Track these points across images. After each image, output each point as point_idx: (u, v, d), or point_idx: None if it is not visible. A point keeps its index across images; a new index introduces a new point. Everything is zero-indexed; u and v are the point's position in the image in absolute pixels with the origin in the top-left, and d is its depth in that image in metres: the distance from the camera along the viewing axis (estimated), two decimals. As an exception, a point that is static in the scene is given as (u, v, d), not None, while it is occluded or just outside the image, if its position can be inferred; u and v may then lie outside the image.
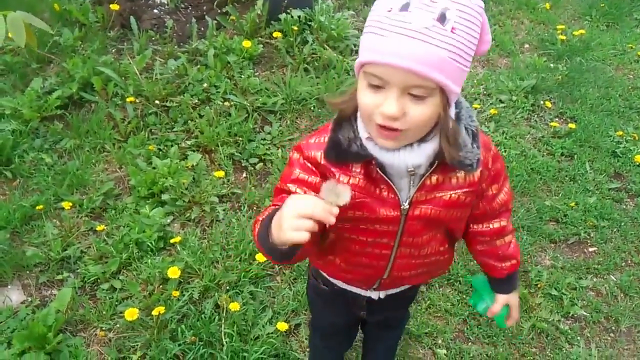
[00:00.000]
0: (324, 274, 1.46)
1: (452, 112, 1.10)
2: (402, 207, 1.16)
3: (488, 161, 1.21)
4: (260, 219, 1.10)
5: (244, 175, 2.91)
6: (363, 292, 1.46)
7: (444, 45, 0.96)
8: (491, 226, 1.34)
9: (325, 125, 1.20)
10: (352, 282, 1.43)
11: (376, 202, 1.14)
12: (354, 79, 1.19)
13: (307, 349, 2.09)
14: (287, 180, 1.19)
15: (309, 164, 1.17)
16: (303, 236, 0.94)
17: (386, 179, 1.12)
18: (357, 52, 1.14)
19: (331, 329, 1.75)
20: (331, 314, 1.66)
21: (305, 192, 1.15)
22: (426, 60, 0.95)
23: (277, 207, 1.07)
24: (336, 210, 0.97)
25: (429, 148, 1.10)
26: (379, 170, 1.11)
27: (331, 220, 0.96)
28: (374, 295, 1.46)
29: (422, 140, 1.09)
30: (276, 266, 2.43)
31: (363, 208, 1.15)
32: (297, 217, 0.95)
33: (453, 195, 1.17)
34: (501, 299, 1.43)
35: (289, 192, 1.17)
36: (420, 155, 1.10)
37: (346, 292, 1.47)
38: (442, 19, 0.95)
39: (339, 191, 0.99)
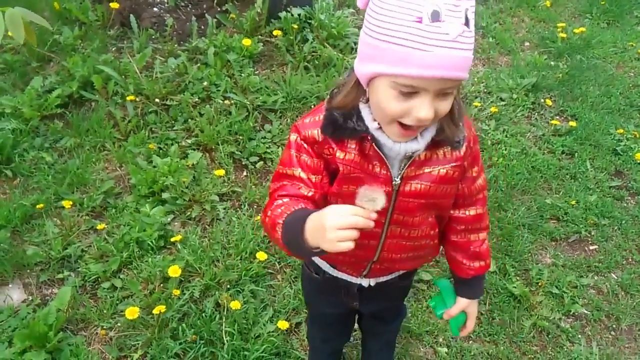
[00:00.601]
0: (315, 260, 1.47)
1: None
2: (393, 182, 1.19)
3: (470, 139, 1.25)
4: (281, 221, 1.09)
5: (245, 173, 2.91)
6: (354, 280, 1.47)
7: (472, 47, 1.02)
8: (467, 213, 1.36)
9: (319, 105, 1.22)
10: (342, 265, 1.44)
11: (369, 178, 1.17)
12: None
13: (308, 348, 2.08)
14: (288, 164, 1.21)
15: (306, 145, 1.20)
16: (349, 246, 0.96)
17: (381, 155, 1.16)
18: (356, 50, 1.13)
19: (327, 319, 1.76)
20: (325, 304, 1.67)
21: (308, 178, 1.18)
22: (463, 65, 1.01)
23: (296, 210, 1.09)
24: (375, 216, 1.00)
25: (429, 134, 1.15)
26: (374, 145, 1.15)
27: (372, 225, 0.99)
28: (365, 282, 1.47)
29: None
30: (277, 265, 2.43)
31: (357, 182, 1.17)
32: (341, 229, 0.96)
33: (442, 170, 1.21)
34: (462, 303, 1.43)
35: (293, 177, 1.19)
36: (422, 142, 1.15)
37: (337, 280, 1.48)
38: (467, 21, 0.98)
39: (375, 196, 1.01)
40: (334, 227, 0.96)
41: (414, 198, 1.22)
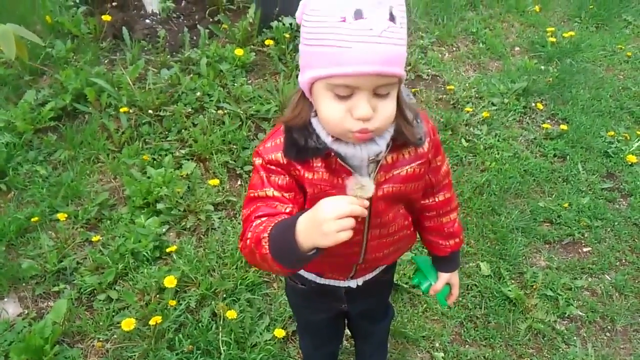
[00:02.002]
0: (300, 272, 1.48)
1: None
2: None
3: (430, 132, 1.27)
4: (266, 234, 1.06)
5: (239, 182, 2.92)
6: (341, 283, 1.48)
7: (401, 42, 1.03)
8: (437, 199, 1.41)
9: (276, 128, 1.22)
10: (328, 274, 1.45)
11: (341, 192, 1.14)
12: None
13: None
14: (259, 186, 1.19)
15: (272, 166, 1.19)
16: (349, 234, 0.97)
17: (347, 167, 1.16)
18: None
19: (317, 326, 1.76)
20: (313, 313, 1.68)
21: (282, 195, 1.17)
22: (391, 60, 1.01)
23: (279, 221, 1.07)
24: (367, 203, 1.03)
25: (387, 135, 1.16)
26: (339, 160, 1.15)
27: (365, 212, 1.01)
28: (352, 283, 1.49)
29: None
30: (272, 273, 2.44)
31: None
32: (338, 218, 0.97)
33: (409, 169, 1.23)
34: (444, 277, 1.52)
35: (266, 198, 1.18)
36: (381, 143, 1.16)
37: (324, 287, 1.49)
38: (392, 17, 1.00)
39: (364, 184, 1.04)
40: (332, 216, 0.96)
41: (385, 200, 1.24)
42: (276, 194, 1.17)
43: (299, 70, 1.12)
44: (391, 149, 1.19)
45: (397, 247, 1.41)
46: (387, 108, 1.07)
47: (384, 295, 1.78)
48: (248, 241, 1.11)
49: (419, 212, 1.42)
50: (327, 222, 0.96)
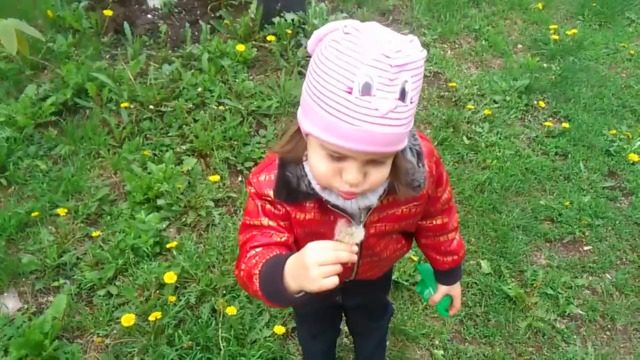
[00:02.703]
0: None
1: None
2: None
3: (432, 169, 1.23)
4: (257, 271, 1.06)
5: (240, 179, 2.91)
6: None
7: (407, 121, 0.96)
8: (434, 222, 1.39)
9: (271, 159, 1.19)
10: None
11: (331, 231, 1.10)
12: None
13: (301, 350, 2.09)
14: (255, 216, 1.18)
15: (267, 199, 1.17)
16: (335, 281, 0.95)
17: (338, 211, 1.14)
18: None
19: (311, 315, 1.77)
20: (307, 301, 1.67)
21: (277, 224, 1.17)
22: (391, 141, 0.96)
23: (270, 257, 1.07)
24: (356, 249, 1.00)
25: (380, 189, 1.13)
26: (329, 206, 1.14)
27: (354, 258, 0.98)
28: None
29: None
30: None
31: (321, 237, 1.13)
32: (323, 265, 0.95)
33: (404, 209, 1.22)
34: (442, 289, 1.53)
35: (261, 227, 1.17)
36: (372, 198, 1.14)
37: None
38: (402, 95, 0.92)
39: (352, 231, 1.02)
40: (317, 263, 0.94)
41: (377, 237, 1.25)
42: (271, 223, 1.17)
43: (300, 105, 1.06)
44: (385, 195, 1.16)
45: (389, 263, 1.44)
46: (379, 174, 1.03)
47: (381, 292, 1.78)
48: (242, 272, 1.12)
49: (415, 230, 1.42)
50: (312, 268, 0.94)
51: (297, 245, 1.20)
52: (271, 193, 1.15)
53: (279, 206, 1.17)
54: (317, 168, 1.04)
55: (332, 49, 0.94)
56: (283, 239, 1.16)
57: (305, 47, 3.51)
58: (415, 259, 2.43)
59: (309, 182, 1.11)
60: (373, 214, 1.19)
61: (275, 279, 1.01)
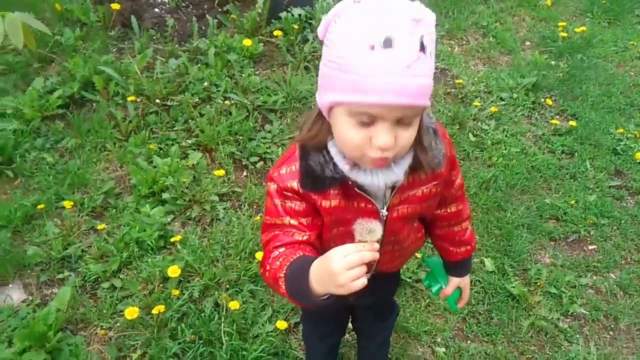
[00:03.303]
0: None
1: None
2: (380, 214, 1.20)
3: (447, 150, 1.24)
4: (282, 275, 1.08)
5: (245, 174, 2.92)
6: None
7: (429, 73, 0.99)
8: (449, 210, 1.40)
9: (291, 151, 1.19)
10: None
11: (357, 215, 1.14)
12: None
13: (304, 348, 2.09)
14: (276, 215, 1.19)
15: (287, 192, 1.17)
16: (364, 282, 0.97)
17: (364, 195, 1.15)
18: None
19: (322, 319, 1.77)
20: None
21: (299, 223, 1.17)
22: (418, 92, 0.97)
23: (294, 260, 1.08)
24: (377, 246, 1.01)
25: (405, 163, 1.13)
26: (356, 189, 1.14)
27: (377, 255, 1.00)
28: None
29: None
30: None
31: (346, 224, 1.16)
32: (350, 269, 0.96)
33: (425, 190, 1.22)
34: (454, 281, 1.52)
35: (283, 226, 1.18)
36: (398, 172, 1.13)
37: None
38: (422, 47, 0.95)
39: (371, 228, 1.02)
40: (344, 268, 0.95)
41: (401, 220, 1.24)
42: (292, 221, 1.17)
43: (317, 89, 1.09)
44: (407, 172, 1.17)
45: (407, 254, 1.43)
46: (407, 137, 1.04)
47: (391, 290, 1.79)
48: (267, 273, 1.13)
49: (430, 221, 1.42)
50: (339, 274, 0.96)
51: (322, 236, 1.22)
52: (294, 184, 1.15)
53: (299, 203, 1.17)
54: (347, 139, 1.04)
55: (346, 18, 0.97)
56: (305, 238, 1.17)
57: (313, 42, 3.53)
58: (419, 255, 2.42)
59: (334, 166, 1.11)
60: (395, 196, 1.19)
61: (301, 284, 1.02)
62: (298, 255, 1.10)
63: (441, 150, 1.17)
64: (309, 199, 1.17)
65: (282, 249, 1.14)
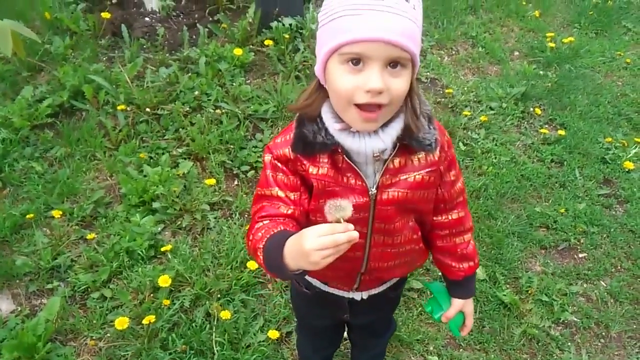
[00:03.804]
0: (306, 277, 1.45)
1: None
2: (370, 192, 1.19)
3: (444, 144, 1.26)
4: (261, 246, 1.10)
5: (236, 182, 2.91)
6: (345, 294, 1.46)
7: (413, 19, 1.04)
8: (450, 217, 1.37)
9: (289, 125, 1.24)
10: (332, 281, 1.44)
11: (345, 191, 1.18)
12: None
13: (298, 358, 2.08)
14: (266, 185, 1.22)
15: (279, 164, 1.21)
16: (334, 257, 0.98)
17: (353, 166, 1.17)
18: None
19: (316, 331, 1.76)
20: (315, 317, 1.67)
21: (286, 196, 1.20)
22: (402, 31, 1.02)
23: (274, 234, 1.10)
24: (351, 226, 0.99)
25: (393, 131, 1.15)
26: (345, 157, 1.16)
27: (354, 235, 0.97)
28: (357, 296, 1.47)
29: (386, 124, 1.14)
30: (267, 274, 2.43)
31: (333, 195, 1.16)
32: (322, 249, 0.96)
33: (417, 176, 1.21)
34: (457, 303, 1.45)
35: (271, 197, 1.21)
36: (386, 139, 1.15)
37: (328, 295, 1.47)
38: None
39: (342, 205, 1.01)
40: (315, 249, 0.95)
41: (391, 205, 1.22)
42: (280, 193, 1.20)
43: (316, 61, 1.14)
44: (399, 153, 1.18)
45: (404, 261, 1.37)
46: (398, 84, 1.07)
47: (389, 311, 1.76)
48: (250, 243, 1.16)
49: (431, 230, 1.39)
50: (311, 255, 0.96)
51: (306, 218, 1.23)
52: (286, 151, 1.19)
53: (290, 176, 1.20)
54: (340, 86, 1.08)
55: None
56: (289, 212, 1.19)
57: (303, 51, 3.53)
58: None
59: (326, 133, 1.15)
60: (385, 175, 1.19)
61: (276, 257, 1.04)
62: (279, 229, 1.12)
63: (434, 135, 1.20)
64: (299, 168, 1.20)
65: (266, 221, 1.17)
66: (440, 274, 1.51)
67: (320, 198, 1.19)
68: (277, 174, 1.21)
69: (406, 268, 1.45)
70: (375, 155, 1.16)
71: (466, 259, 1.41)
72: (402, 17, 1.02)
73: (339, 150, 1.16)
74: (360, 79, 1.05)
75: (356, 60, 1.04)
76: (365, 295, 1.47)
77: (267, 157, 1.23)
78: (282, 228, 1.12)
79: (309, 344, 1.86)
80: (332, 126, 1.15)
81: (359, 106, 1.08)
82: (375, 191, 1.20)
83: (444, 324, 2.32)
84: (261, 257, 1.10)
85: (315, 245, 0.96)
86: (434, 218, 1.36)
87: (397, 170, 1.20)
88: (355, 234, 0.97)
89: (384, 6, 1.00)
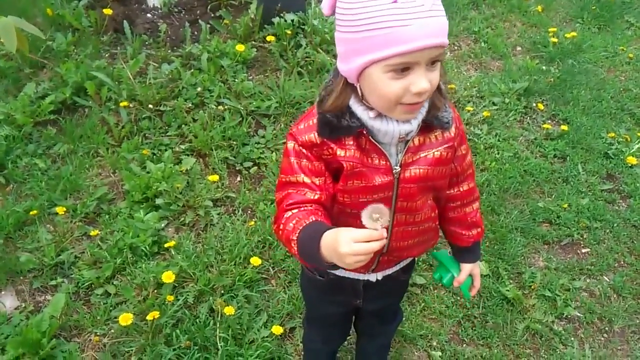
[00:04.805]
0: None
1: None
2: (394, 170, 1.23)
3: (456, 120, 1.31)
4: (295, 237, 1.13)
5: (238, 179, 2.91)
6: (361, 276, 1.49)
7: (444, 13, 1.08)
8: (461, 189, 1.43)
9: (310, 110, 1.26)
10: None
11: (371, 171, 1.22)
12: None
13: (302, 352, 2.09)
14: (290, 172, 1.24)
15: (304, 150, 1.22)
16: (366, 260, 1.02)
17: (377, 146, 1.20)
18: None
19: (327, 320, 1.76)
20: (327, 305, 1.67)
21: (312, 181, 1.22)
22: (442, 31, 1.07)
23: (307, 225, 1.12)
24: (385, 233, 1.04)
25: (419, 116, 1.21)
26: (370, 138, 1.19)
27: (385, 242, 1.04)
28: (372, 277, 1.49)
29: None
30: (271, 269, 2.44)
31: (361, 177, 1.22)
32: (357, 254, 1.00)
33: (436, 152, 1.26)
34: (467, 268, 1.53)
35: (297, 184, 1.22)
36: (414, 122, 1.20)
37: (343, 280, 1.49)
38: None
39: (379, 211, 1.05)
40: (350, 254, 1.00)
41: (414, 183, 1.26)
42: (306, 180, 1.22)
43: (339, 59, 1.15)
44: (419, 132, 1.23)
45: (422, 240, 1.42)
46: (436, 77, 1.12)
47: (399, 295, 1.79)
48: (280, 232, 1.18)
49: (444, 203, 1.44)
50: (344, 257, 1.00)
51: (332, 201, 1.26)
52: (312, 136, 1.21)
53: (314, 162, 1.22)
54: (387, 93, 1.10)
55: None
56: (316, 197, 1.21)
57: (305, 47, 3.53)
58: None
59: (350, 116, 1.18)
60: (408, 154, 1.23)
61: (312, 250, 1.07)
62: (311, 220, 1.14)
63: (450, 113, 1.26)
64: (325, 152, 1.22)
65: (295, 210, 1.19)
66: (448, 242, 1.57)
67: (349, 180, 1.22)
68: (301, 160, 1.23)
69: (422, 247, 1.48)
70: (401, 137, 1.20)
71: (474, 226, 1.50)
72: (440, 16, 1.06)
73: (364, 133, 1.19)
74: (407, 82, 1.08)
75: (404, 67, 1.07)
76: (380, 276, 1.50)
77: (291, 144, 1.24)
78: (314, 219, 1.15)
79: (318, 335, 1.85)
80: (366, 115, 1.17)
81: (404, 104, 1.12)
82: (399, 169, 1.23)
83: (446, 318, 2.33)
84: (295, 247, 1.12)
85: (350, 250, 1.00)
86: (447, 191, 1.41)
87: (417, 148, 1.24)
88: (384, 242, 1.04)
89: (425, 11, 1.03)
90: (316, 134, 1.21)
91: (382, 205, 1.06)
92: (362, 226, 1.04)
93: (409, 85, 1.08)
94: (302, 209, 1.18)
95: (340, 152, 1.21)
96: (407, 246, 1.40)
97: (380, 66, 1.07)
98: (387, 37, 1.03)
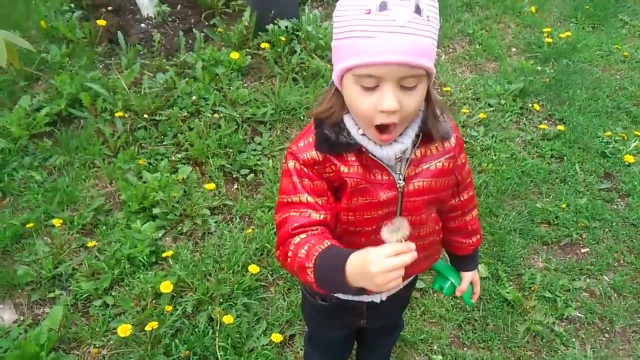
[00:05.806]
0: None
1: None
2: (397, 185, 1.21)
3: (454, 129, 1.29)
4: (311, 265, 1.07)
5: (235, 186, 2.91)
6: (365, 298, 1.45)
7: (427, 34, 1.03)
8: (462, 198, 1.42)
9: (307, 127, 1.23)
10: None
11: (375, 187, 1.19)
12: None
13: (302, 360, 2.08)
14: (293, 192, 1.19)
15: (306, 169, 1.18)
16: (399, 283, 0.99)
17: (378, 162, 1.18)
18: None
19: (329, 344, 1.74)
20: (330, 329, 1.65)
21: (315, 201, 1.18)
22: (415, 50, 1.02)
23: (324, 250, 1.07)
24: (413, 245, 1.01)
25: (412, 132, 1.18)
26: (371, 155, 1.17)
27: (415, 255, 1.01)
28: (376, 298, 1.46)
29: (404, 130, 1.17)
30: (270, 277, 2.43)
31: (365, 193, 1.19)
32: (390, 269, 0.97)
33: (438, 164, 1.24)
34: (467, 276, 1.51)
35: (299, 204, 1.18)
36: (405, 141, 1.17)
37: (346, 303, 1.45)
38: (418, 10, 1.01)
39: (400, 224, 1.04)
40: (383, 270, 0.97)
41: (418, 196, 1.24)
42: (309, 199, 1.18)
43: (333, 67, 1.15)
44: (419, 144, 1.20)
45: (427, 254, 1.39)
46: (412, 103, 1.08)
47: (401, 311, 1.78)
48: (290, 260, 1.13)
49: (445, 214, 1.42)
50: (378, 276, 0.97)
51: (336, 221, 1.23)
52: (313, 153, 1.17)
53: (316, 181, 1.18)
54: (356, 107, 1.10)
55: None
56: (321, 217, 1.17)
57: (300, 53, 3.53)
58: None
59: (348, 134, 1.16)
60: (410, 167, 1.21)
61: (334, 277, 1.04)
62: (326, 245, 1.09)
63: (449, 124, 1.24)
64: (328, 170, 1.18)
65: (303, 235, 1.13)
66: (447, 251, 1.56)
67: (353, 197, 1.19)
68: (303, 180, 1.19)
69: (427, 262, 1.46)
70: (397, 157, 1.18)
71: (474, 233, 1.48)
72: (415, 35, 1.01)
73: (363, 150, 1.17)
74: (375, 99, 1.06)
75: (370, 80, 1.05)
76: (384, 296, 1.46)
77: (291, 164, 1.20)
78: (330, 243, 1.10)
79: (320, 357, 1.82)
80: (355, 131, 1.16)
81: (378, 128, 1.10)
82: (403, 183, 1.21)
83: (446, 322, 2.32)
84: (312, 275, 1.07)
85: (384, 267, 0.97)
86: (450, 199, 1.40)
87: (420, 160, 1.22)
88: (415, 255, 1.00)
89: (397, 27, 1.00)
90: (316, 151, 1.17)
91: (398, 218, 1.04)
92: (366, 242, 1.02)
93: (377, 103, 1.05)
94: (310, 233, 1.14)
95: (343, 169, 1.17)
96: (412, 262, 1.37)
97: (350, 76, 1.07)
98: (353, 47, 1.03)
